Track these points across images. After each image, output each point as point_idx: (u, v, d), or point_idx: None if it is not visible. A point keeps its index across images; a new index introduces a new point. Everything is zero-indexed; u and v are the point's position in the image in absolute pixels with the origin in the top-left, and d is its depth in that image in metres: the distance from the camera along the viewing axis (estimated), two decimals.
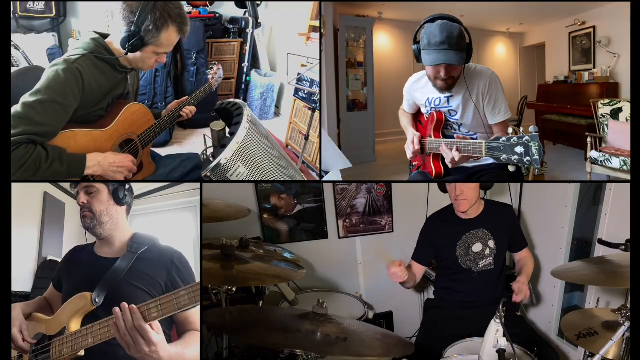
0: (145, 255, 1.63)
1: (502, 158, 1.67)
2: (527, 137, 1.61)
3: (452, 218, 2.22)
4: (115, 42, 1.83)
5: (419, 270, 2.26)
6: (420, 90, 2.16)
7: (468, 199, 2.11)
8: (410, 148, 2.22)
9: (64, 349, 1.44)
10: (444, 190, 2.25)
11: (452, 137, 2.15)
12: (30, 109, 1.57)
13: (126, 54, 1.80)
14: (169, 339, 1.58)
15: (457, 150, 1.87)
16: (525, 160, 1.61)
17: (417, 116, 2.33)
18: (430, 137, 2.13)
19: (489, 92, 1.97)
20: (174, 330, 1.65)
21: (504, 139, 1.66)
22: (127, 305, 1.28)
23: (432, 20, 1.88)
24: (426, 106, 2.16)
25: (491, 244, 2.18)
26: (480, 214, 2.20)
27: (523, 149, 1.61)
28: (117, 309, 1.29)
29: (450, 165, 1.96)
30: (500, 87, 1.99)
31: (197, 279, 1.73)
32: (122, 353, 1.39)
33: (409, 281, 2.14)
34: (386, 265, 2.01)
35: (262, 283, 2.22)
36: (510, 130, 1.68)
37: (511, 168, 1.68)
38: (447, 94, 2.05)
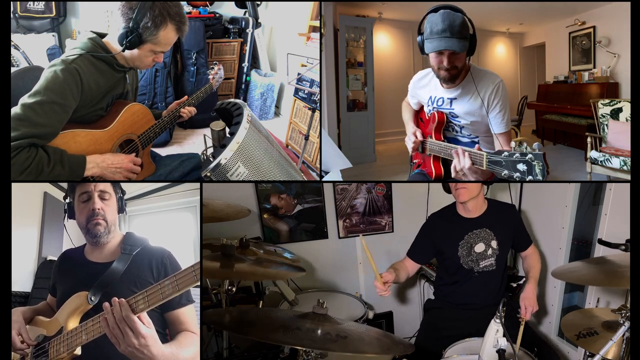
0: (138, 256, 1.64)
1: (503, 174, 1.61)
2: (530, 155, 1.53)
3: (454, 217, 2.20)
4: (112, 41, 1.83)
5: (412, 267, 2.23)
6: (424, 88, 2.16)
7: (468, 188, 2.07)
8: (411, 139, 2.21)
9: (60, 348, 1.45)
10: (447, 190, 2.22)
11: (454, 139, 2.14)
12: (30, 110, 1.57)
13: (123, 50, 1.80)
14: (164, 339, 1.58)
15: (470, 157, 1.78)
16: (527, 178, 1.55)
17: (418, 113, 2.32)
18: (431, 137, 2.12)
19: (494, 100, 1.95)
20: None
21: (505, 153, 1.60)
22: (116, 299, 1.29)
23: (435, 10, 1.88)
24: (428, 105, 2.15)
25: (494, 244, 2.16)
26: (483, 214, 2.18)
27: (525, 167, 1.54)
28: (106, 304, 1.30)
29: (453, 174, 1.89)
30: (506, 95, 1.97)
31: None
32: (121, 356, 1.38)
33: (400, 279, 2.12)
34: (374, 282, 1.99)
35: (261, 278, 2.22)
36: (512, 143, 1.61)
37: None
38: (451, 96, 2.03)
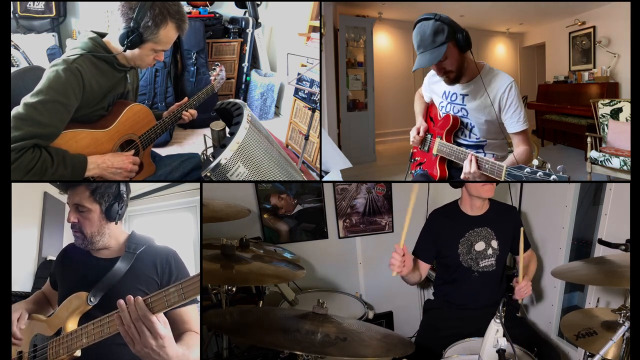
0: (142, 255, 1.63)
1: None
2: (554, 177, 1.51)
3: (456, 215, 2.20)
4: (113, 41, 1.83)
5: (423, 267, 2.20)
6: (439, 83, 2.18)
7: (493, 184, 2.09)
8: (413, 133, 2.27)
9: (60, 349, 1.44)
10: (456, 186, 2.22)
11: (462, 142, 2.15)
12: (33, 110, 1.57)
13: (125, 50, 1.80)
14: None
15: (477, 163, 1.82)
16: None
17: (429, 111, 2.34)
18: (441, 139, 2.12)
19: (507, 100, 1.96)
20: None
21: (528, 169, 1.58)
22: (132, 298, 1.26)
23: (415, 25, 1.94)
24: (442, 100, 2.17)
25: (494, 244, 2.16)
26: (485, 213, 2.19)
27: None
28: (121, 301, 1.27)
29: (463, 177, 1.92)
30: (519, 95, 1.98)
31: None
32: (122, 355, 1.38)
33: (413, 277, 2.10)
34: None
35: (262, 283, 2.22)
36: (535, 162, 1.59)
37: None
38: (463, 92, 2.06)
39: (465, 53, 1.95)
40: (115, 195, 1.63)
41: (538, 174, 1.54)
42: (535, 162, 1.59)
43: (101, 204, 1.61)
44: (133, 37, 1.76)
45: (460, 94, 2.08)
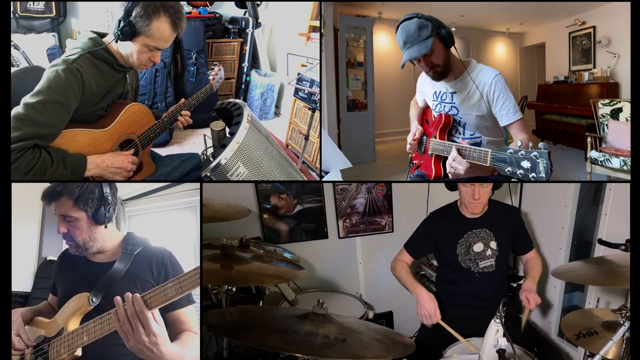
0: (138, 257, 1.63)
1: (506, 170, 1.62)
2: (535, 153, 1.56)
3: (455, 216, 2.22)
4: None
5: (408, 260, 2.27)
6: (430, 84, 2.21)
7: (483, 202, 2.12)
8: (409, 139, 2.28)
9: (61, 349, 1.45)
10: (451, 188, 2.23)
11: (457, 141, 2.15)
12: (33, 110, 1.57)
13: (115, 41, 1.78)
14: None
15: (459, 153, 1.84)
16: (530, 176, 1.57)
17: (424, 114, 2.35)
18: (435, 138, 2.13)
19: (494, 93, 1.98)
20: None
21: (510, 150, 1.62)
22: (130, 294, 1.28)
23: (397, 28, 2.02)
24: (434, 100, 2.19)
25: (493, 245, 2.17)
26: (484, 214, 2.19)
27: (530, 164, 1.56)
28: (118, 298, 1.29)
29: (450, 176, 1.94)
30: (506, 87, 1.99)
31: None
32: (122, 355, 1.38)
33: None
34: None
35: (262, 283, 2.22)
36: (519, 143, 1.63)
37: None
38: (451, 90, 2.08)
39: (449, 49, 1.99)
40: (99, 199, 1.61)
41: (520, 153, 1.59)
42: (518, 142, 1.63)
43: (86, 210, 1.59)
44: (124, 27, 1.74)
45: (450, 92, 2.10)
